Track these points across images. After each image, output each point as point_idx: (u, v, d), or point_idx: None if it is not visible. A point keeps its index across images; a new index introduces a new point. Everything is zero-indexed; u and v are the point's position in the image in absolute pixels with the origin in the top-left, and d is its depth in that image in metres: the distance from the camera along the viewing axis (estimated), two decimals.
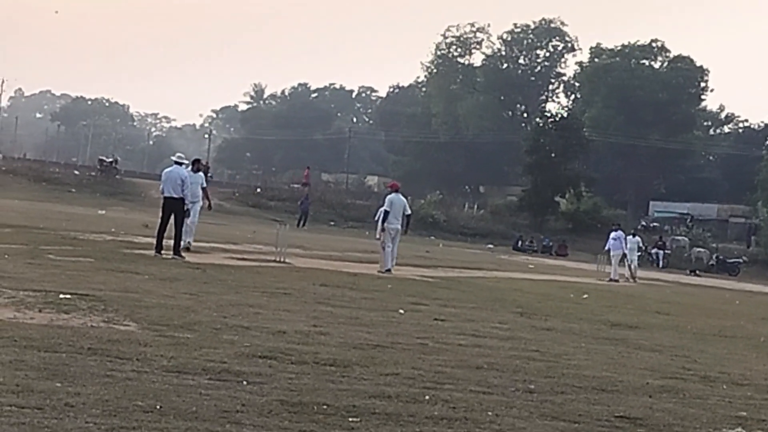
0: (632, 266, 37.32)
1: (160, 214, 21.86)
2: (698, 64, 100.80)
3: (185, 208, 21.81)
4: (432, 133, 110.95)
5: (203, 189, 24.41)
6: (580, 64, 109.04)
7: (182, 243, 21.94)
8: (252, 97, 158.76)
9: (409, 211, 25.35)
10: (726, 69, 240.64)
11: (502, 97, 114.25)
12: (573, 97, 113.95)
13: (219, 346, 9.52)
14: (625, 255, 36.61)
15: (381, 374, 8.84)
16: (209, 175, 76.16)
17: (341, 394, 7.70)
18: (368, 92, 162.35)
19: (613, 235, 36.90)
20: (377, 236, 24.81)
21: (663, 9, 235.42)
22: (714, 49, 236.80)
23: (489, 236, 67.99)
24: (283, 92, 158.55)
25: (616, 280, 34.86)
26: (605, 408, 8.26)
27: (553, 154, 76.03)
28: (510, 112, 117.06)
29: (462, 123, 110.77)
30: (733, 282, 50.21)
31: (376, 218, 24.81)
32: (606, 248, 37.08)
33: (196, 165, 24.69)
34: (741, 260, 64.11)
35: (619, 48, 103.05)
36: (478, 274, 29.48)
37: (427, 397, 7.89)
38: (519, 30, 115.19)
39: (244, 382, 7.84)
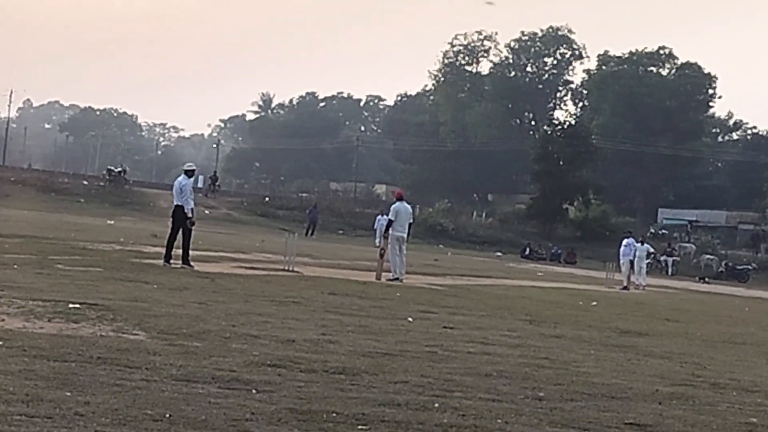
0: (641, 273, 37.28)
1: (170, 223, 21.91)
2: (706, 71, 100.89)
3: (188, 217, 21.62)
4: (440, 142, 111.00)
5: None
6: (587, 71, 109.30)
7: None
8: (260, 107, 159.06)
9: (411, 220, 25.38)
10: (734, 75, 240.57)
11: (509, 105, 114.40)
12: (581, 104, 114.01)
13: (228, 354, 9.52)
14: (632, 262, 36.54)
15: (390, 382, 8.82)
16: (217, 183, 76.71)
17: (350, 402, 7.69)
18: (376, 101, 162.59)
19: (624, 242, 37.01)
20: (377, 244, 24.76)
21: (670, 16, 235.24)
22: (722, 56, 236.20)
23: (497, 244, 68.02)
24: (291, 101, 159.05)
25: (627, 288, 34.76)
26: (615, 415, 8.23)
27: (561, 162, 76.12)
28: (518, 120, 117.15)
29: (470, 131, 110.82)
30: (743, 289, 50.09)
31: (375, 227, 24.80)
32: (621, 255, 36.89)
33: None
34: (750, 267, 63.94)
35: (626, 55, 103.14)
36: (487, 282, 29.45)
37: (436, 405, 7.87)
38: (526, 38, 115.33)
39: (254, 391, 7.83)
